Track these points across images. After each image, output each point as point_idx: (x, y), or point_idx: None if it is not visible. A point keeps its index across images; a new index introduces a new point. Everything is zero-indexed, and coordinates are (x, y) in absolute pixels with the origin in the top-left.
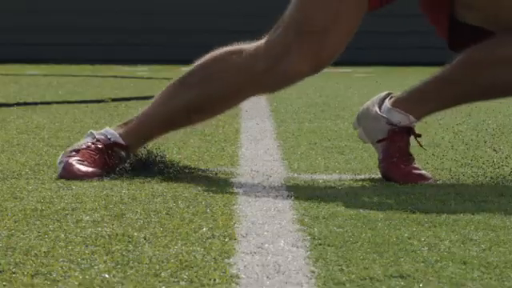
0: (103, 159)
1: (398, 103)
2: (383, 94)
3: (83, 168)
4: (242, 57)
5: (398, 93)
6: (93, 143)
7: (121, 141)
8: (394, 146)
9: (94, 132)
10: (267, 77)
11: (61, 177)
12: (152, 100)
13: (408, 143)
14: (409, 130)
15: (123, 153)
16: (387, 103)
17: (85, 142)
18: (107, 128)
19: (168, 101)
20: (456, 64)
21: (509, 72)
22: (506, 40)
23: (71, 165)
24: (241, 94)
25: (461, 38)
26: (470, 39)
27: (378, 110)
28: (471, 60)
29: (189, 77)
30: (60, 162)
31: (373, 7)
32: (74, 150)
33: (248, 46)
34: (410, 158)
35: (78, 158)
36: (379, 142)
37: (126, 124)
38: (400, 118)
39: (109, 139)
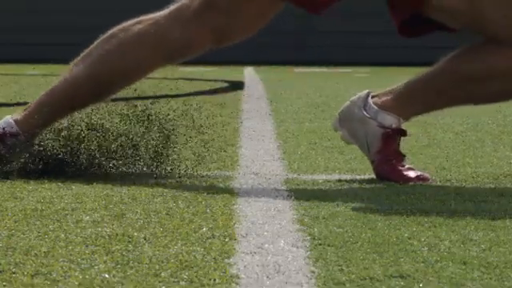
0: None
1: (386, 105)
2: (363, 93)
3: None
4: (146, 25)
5: (378, 91)
6: None
7: (14, 130)
8: (390, 148)
9: None
10: (168, 44)
11: None
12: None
13: (399, 144)
14: (400, 132)
15: (15, 140)
16: (372, 104)
17: None
18: (7, 116)
19: (69, 82)
20: (443, 72)
21: (502, 83)
22: (497, 50)
23: None
24: (144, 65)
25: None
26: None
27: (364, 112)
28: (461, 71)
29: (89, 53)
30: None
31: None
32: None
33: (152, 15)
34: (403, 158)
35: None
36: (378, 152)
37: (25, 110)
38: (392, 121)
39: (3, 129)
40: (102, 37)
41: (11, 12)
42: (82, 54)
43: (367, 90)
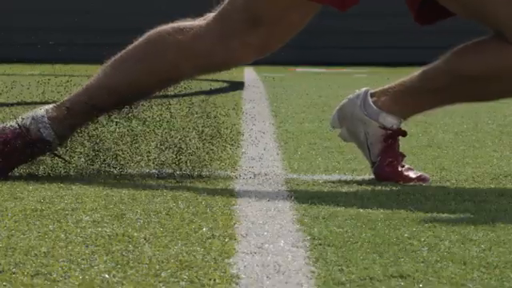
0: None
1: (385, 105)
2: (362, 92)
3: None
4: (186, 36)
5: (376, 89)
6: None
7: (46, 135)
8: (391, 149)
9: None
10: (208, 59)
11: None
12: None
13: (399, 144)
14: (400, 132)
15: (47, 144)
16: (372, 105)
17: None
18: (41, 113)
19: (103, 83)
20: (443, 71)
21: (503, 82)
22: (499, 49)
23: None
24: (178, 74)
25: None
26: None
27: (365, 112)
28: (461, 69)
29: (126, 56)
30: None
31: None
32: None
33: (191, 24)
34: (403, 159)
35: None
36: (379, 154)
37: (58, 106)
38: (392, 122)
39: (38, 130)
40: (139, 40)
41: (11, 12)
42: (117, 55)
43: (365, 88)
